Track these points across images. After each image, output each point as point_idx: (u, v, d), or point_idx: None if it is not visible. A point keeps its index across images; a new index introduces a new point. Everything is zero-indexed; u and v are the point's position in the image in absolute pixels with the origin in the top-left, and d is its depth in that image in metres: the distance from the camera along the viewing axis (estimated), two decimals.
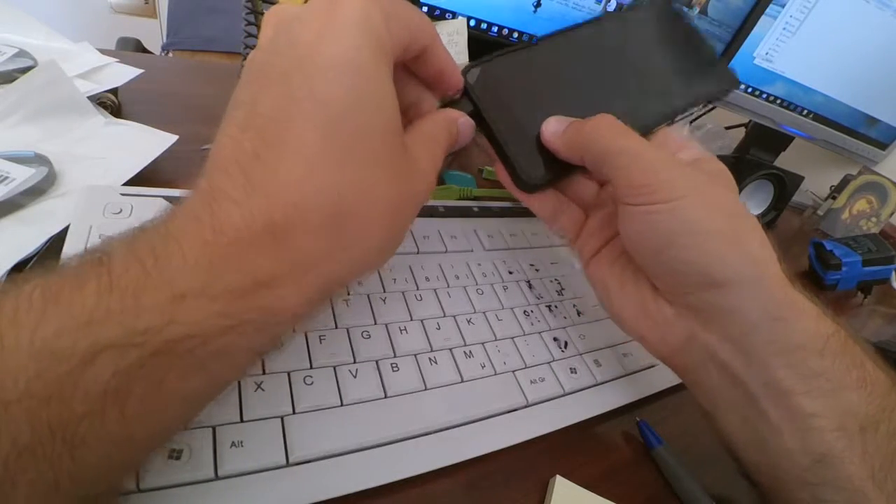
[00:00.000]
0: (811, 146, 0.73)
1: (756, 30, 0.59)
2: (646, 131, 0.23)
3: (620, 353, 0.28)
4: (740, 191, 0.54)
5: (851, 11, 0.63)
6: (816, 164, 0.90)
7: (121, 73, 0.35)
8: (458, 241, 0.29)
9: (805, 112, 0.72)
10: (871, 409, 0.18)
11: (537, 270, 0.30)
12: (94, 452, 0.11)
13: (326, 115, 0.14)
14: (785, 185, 0.55)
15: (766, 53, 0.65)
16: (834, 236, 0.69)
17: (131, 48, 0.82)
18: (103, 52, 0.37)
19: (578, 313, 0.29)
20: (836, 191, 0.74)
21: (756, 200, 0.56)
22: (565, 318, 0.28)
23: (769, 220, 0.57)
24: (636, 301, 0.22)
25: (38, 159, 0.26)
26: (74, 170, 0.27)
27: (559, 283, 0.30)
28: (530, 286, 0.29)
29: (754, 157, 0.81)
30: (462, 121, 0.21)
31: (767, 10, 0.58)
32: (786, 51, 0.66)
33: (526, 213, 0.34)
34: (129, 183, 0.27)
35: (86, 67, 0.34)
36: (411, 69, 0.19)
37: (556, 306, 0.28)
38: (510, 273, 0.29)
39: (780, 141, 0.79)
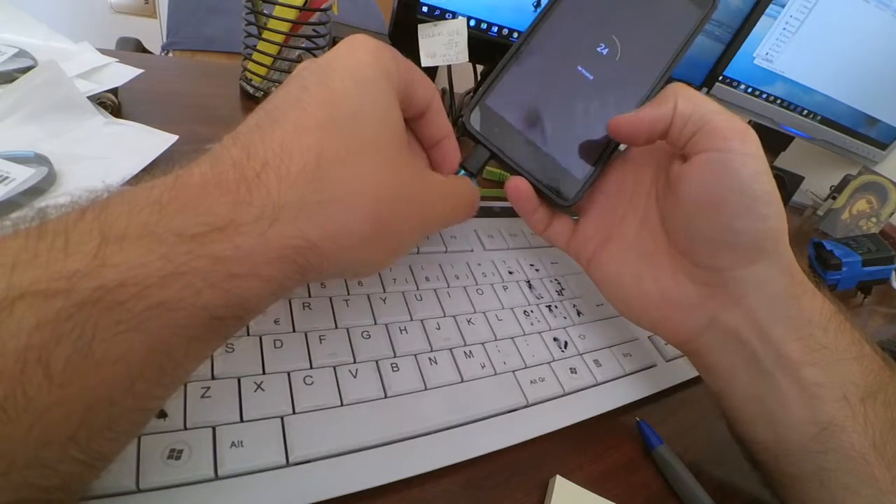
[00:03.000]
0: (811, 146, 0.73)
1: (756, 30, 0.59)
2: (652, 91, 0.24)
3: (620, 353, 0.28)
4: None
5: (851, 12, 0.63)
6: (816, 164, 0.90)
7: (121, 73, 0.35)
8: (458, 242, 0.29)
9: (805, 112, 0.72)
10: (870, 381, 0.20)
11: (537, 270, 0.30)
12: (17, 424, 0.10)
13: (329, 96, 0.16)
14: (785, 185, 0.55)
15: (767, 53, 0.65)
16: (834, 236, 0.69)
17: (131, 48, 0.82)
18: (103, 52, 0.37)
19: (578, 313, 0.29)
20: (836, 191, 0.74)
21: None
22: (565, 318, 0.28)
23: None
24: (655, 290, 0.23)
25: (38, 159, 0.26)
26: (74, 170, 0.27)
27: (559, 283, 0.30)
28: (530, 286, 0.29)
29: None
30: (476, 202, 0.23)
31: (767, 11, 0.58)
32: (786, 51, 0.66)
33: None
34: (130, 183, 0.27)
35: (86, 67, 0.34)
36: (414, 131, 0.22)
37: (555, 306, 0.28)
38: (510, 273, 0.29)
39: (780, 141, 0.79)
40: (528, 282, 0.29)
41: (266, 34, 0.40)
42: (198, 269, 0.12)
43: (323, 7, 0.41)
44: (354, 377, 0.20)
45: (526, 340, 0.26)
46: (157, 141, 0.30)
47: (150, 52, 0.85)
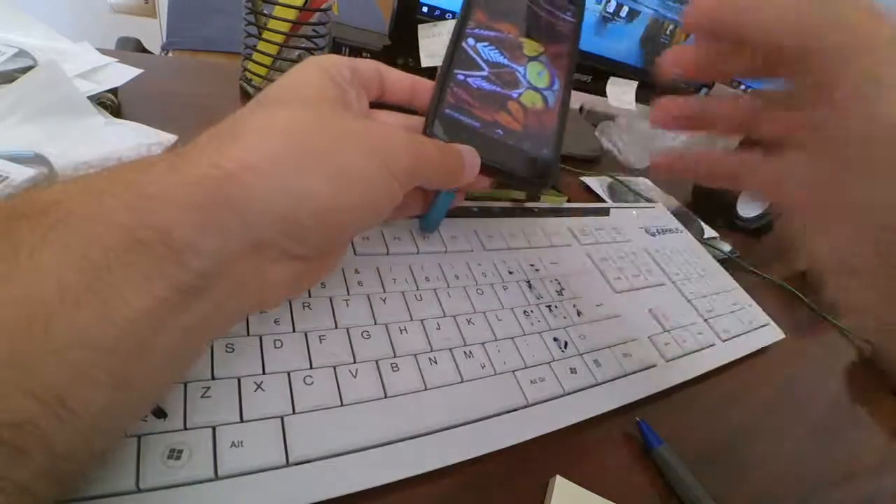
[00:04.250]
0: None
1: None
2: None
3: (620, 353, 0.28)
4: (738, 192, 0.54)
5: None
6: None
7: (120, 73, 0.35)
8: (458, 242, 0.29)
9: None
10: None
11: (537, 270, 0.30)
12: None
13: (276, 86, 0.19)
14: None
15: None
16: None
17: (131, 48, 0.82)
18: (103, 52, 0.37)
19: (578, 313, 0.29)
20: None
21: (757, 202, 0.56)
22: (565, 318, 0.28)
23: (771, 221, 0.57)
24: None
25: (38, 159, 0.26)
26: (74, 170, 0.27)
27: (559, 283, 0.30)
28: (530, 286, 0.29)
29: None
30: (469, 158, 0.23)
31: None
32: None
33: (526, 213, 0.35)
34: None
35: (86, 67, 0.34)
36: (391, 102, 0.23)
37: (555, 306, 0.28)
38: (510, 273, 0.29)
39: None
40: (528, 282, 0.29)
41: (266, 34, 0.40)
42: (112, 191, 0.13)
43: (323, 7, 0.41)
44: (354, 377, 0.20)
45: (526, 340, 0.26)
46: (156, 141, 0.30)
47: (149, 52, 0.85)
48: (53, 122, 0.29)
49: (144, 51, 0.83)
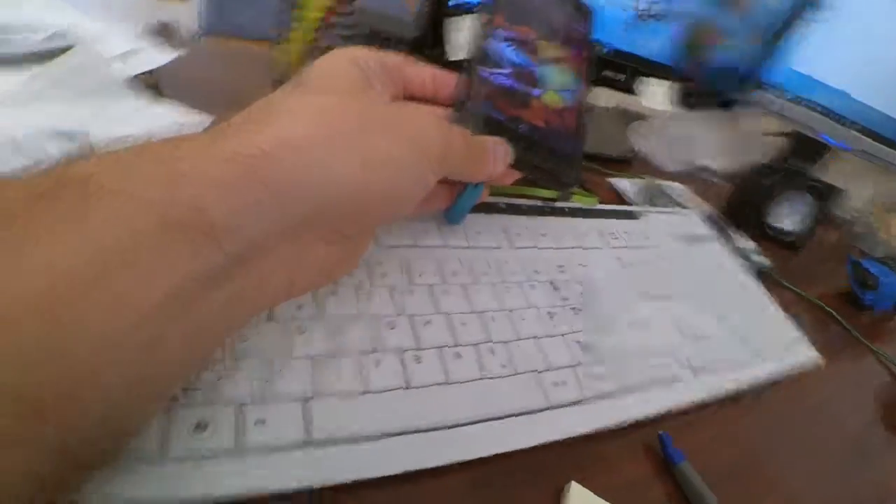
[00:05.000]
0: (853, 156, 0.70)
1: (797, 35, 0.56)
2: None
3: (646, 363, 0.27)
4: (775, 202, 0.52)
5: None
6: (861, 176, 0.86)
7: (155, 57, 0.36)
8: (484, 237, 0.29)
9: (847, 122, 0.69)
10: None
11: (564, 272, 0.30)
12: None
13: (307, 73, 0.19)
14: (823, 196, 0.53)
15: (808, 59, 0.62)
16: (873, 255, 0.66)
17: (164, 33, 0.84)
18: (138, 35, 0.37)
19: (604, 318, 0.28)
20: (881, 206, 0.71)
21: (794, 213, 0.54)
22: (591, 322, 0.28)
23: (808, 234, 0.55)
24: None
25: (79, 138, 0.27)
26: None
27: (586, 286, 0.30)
28: (556, 287, 0.28)
29: (793, 166, 0.78)
30: (497, 150, 0.23)
31: (808, 16, 0.55)
32: (829, 57, 0.63)
33: (556, 212, 0.34)
34: None
35: (121, 50, 0.35)
36: (419, 96, 0.23)
37: (581, 309, 0.28)
38: (536, 272, 0.29)
39: (818, 150, 0.76)
40: (553, 282, 0.29)
41: (298, 24, 0.40)
42: (144, 168, 0.13)
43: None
44: (377, 366, 0.20)
45: (549, 342, 0.25)
46: (195, 122, 0.31)
47: (183, 37, 0.87)
48: (92, 103, 0.30)
49: (178, 35, 0.85)
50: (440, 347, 0.22)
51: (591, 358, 0.26)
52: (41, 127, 0.26)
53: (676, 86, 0.53)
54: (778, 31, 0.54)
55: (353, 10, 0.42)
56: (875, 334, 0.45)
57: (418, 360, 0.21)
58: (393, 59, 0.22)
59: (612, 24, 0.47)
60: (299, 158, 0.15)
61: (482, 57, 0.24)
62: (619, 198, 0.48)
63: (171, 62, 0.36)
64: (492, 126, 0.23)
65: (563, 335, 0.26)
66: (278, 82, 0.42)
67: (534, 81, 0.26)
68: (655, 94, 0.52)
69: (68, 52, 0.32)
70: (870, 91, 0.67)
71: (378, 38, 0.44)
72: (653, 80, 0.52)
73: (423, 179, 0.19)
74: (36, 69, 0.30)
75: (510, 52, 0.26)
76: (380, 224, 0.24)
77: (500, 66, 0.25)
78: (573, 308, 0.28)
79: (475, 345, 0.23)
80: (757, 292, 0.38)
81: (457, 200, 0.26)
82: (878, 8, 0.59)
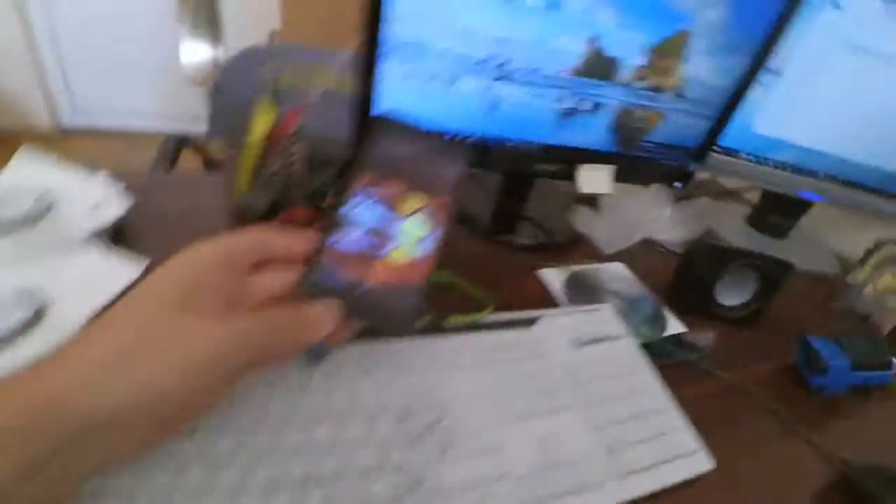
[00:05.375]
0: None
1: (750, 98, 0.56)
2: None
3: (484, 492, 0.28)
4: (721, 280, 0.51)
5: (854, 68, 0.58)
6: (848, 225, 0.82)
7: (119, 205, 0.43)
8: (340, 373, 0.32)
9: (822, 175, 0.67)
10: None
11: (419, 399, 0.32)
12: None
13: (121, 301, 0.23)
14: (774, 274, 0.51)
15: (767, 121, 0.62)
16: (859, 311, 0.62)
17: (174, 146, 0.89)
18: (114, 175, 0.45)
19: (448, 446, 0.30)
20: (866, 258, 0.67)
21: (742, 290, 0.53)
22: (431, 452, 0.29)
23: (756, 311, 0.53)
24: None
25: (30, 300, 0.34)
26: (62, 304, 0.34)
27: (440, 413, 0.31)
28: (402, 418, 0.31)
29: (773, 222, 0.76)
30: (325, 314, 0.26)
31: (760, 79, 0.55)
32: (790, 116, 0.63)
33: (437, 331, 0.34)
34: (97, 315, 0.33)
35: (94, 200, 0.42)
36: (285, 259, 0.28)
37: (424, 439, 0.30)
38: (382, 407, 0.31)
39: (797, 206, 0.73)
40: (401, 412, 0.31)
41: (242, 155, 0.47)
42: None
43: (291, 132, 0.47)
44: None
45: (377, 476, 0.28)
46: (129, 272, 0.37)
47: (197, 141, 0.94)
48: (53, 262, 0.37)
49: (189, 143, 0.92)
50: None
51: (419, 492, 0.27)
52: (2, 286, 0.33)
53: (615, 168, 0.54)
54: (730, 100, 0.55)
55: (296, 135, 0.48)
56: (817, 421, 0.43)
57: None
58: (252, 239, 0.26)
59: (538, 122, 0.49)
60: (90, 374, 0.19)
61: (335, 224, 0.28)
62: (544, 291, 0.49)
63: (132, 207, 0.43)
64: (329, 293, 0.27)
65: (396, 470, 0.27)
66: (233, 209, 0.49)
67: (386, 239, 0.29)
68: (594, 179, 0.53)
69: (47, 217, 0.39)
70: (842, 143, 0.65)
71: (316, 162, 0.50)
72: (590, 166, 0.54)
73: (199, 394, 0.22)
74: (23, 236, 0.37)
75: (369, 213, 0.29)
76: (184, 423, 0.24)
77: (354, 229, 0.28)
78: (415, 438, 0.29)
79: (303, 480, 0.26)
80: (656, 395, 0.38)
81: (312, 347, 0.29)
82: (839, 64, 0.58)
